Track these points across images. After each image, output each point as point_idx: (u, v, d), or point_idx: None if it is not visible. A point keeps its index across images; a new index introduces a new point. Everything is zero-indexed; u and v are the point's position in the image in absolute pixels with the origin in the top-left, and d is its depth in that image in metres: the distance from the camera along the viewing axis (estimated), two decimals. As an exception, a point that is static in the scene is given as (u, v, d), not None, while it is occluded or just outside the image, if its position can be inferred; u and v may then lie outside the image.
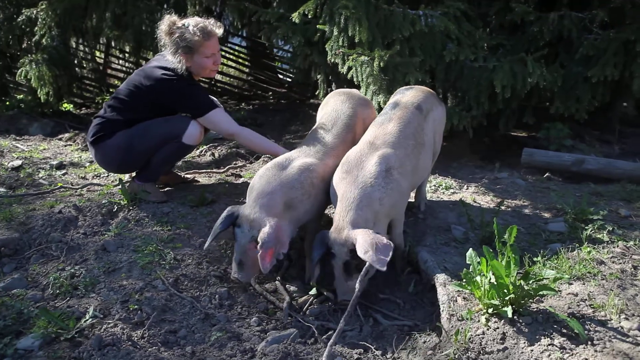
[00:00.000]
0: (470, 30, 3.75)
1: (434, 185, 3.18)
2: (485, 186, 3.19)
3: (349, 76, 3.24)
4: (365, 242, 1.87)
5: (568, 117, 4.02)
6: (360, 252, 1.87)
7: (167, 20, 2.64)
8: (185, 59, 2.65)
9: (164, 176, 3.08)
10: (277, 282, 2.34)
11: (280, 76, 7.23)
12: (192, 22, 2.63)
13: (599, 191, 3.13)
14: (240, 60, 7.09)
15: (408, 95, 2.54)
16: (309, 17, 3.44)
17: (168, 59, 2.69)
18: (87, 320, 1.78)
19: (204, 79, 5.13)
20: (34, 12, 5.04)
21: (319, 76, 4.04)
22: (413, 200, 2.82)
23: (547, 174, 3.56)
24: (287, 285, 2.32)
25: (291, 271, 2.47)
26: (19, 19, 5.10)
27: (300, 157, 2.34)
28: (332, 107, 2.63)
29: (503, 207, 2.81)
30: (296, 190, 2.20)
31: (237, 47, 6.99)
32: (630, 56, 3.47)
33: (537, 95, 3.76)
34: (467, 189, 3.15)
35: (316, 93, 4.17)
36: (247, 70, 7.15)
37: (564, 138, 3.76)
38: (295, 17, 3.40)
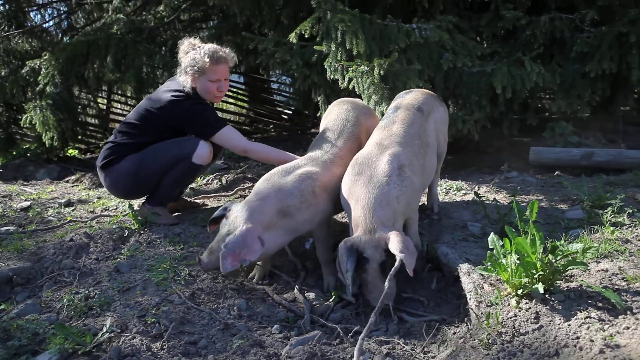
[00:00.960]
0: (464, 41, 3.81)
1: (445, 188, 3.15)
2: (497, 185, 3.16)
3: (350, 87, 3.27)
4: (399, 242, 1.89)
5: (571, 117, 4.02)
6: (395, 251, 1.87)
7: (187, 42, 2.77)
8: (193, 78, 2.69)
9: (173, 202, 3.06)
10: (295, 291, 2.28)
11: (280, 109, 7.33)
12: (207, 46, 2.72)
13: (612, 181, 3.09)
14: (239, 96, 7.21)
15: (408, 98, 2.56)
16: (306, 36, 3.50)
17: (178, 80, 2.74)
18: (104, 334, 1.72)
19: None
20: (38, 62, 5.18)
21: (319, 98, 4.08)
22: (425, 202, 2.78)
23: (556, 172, 3.52)
24: (306, 294, 2.26)
25: (309, 280, 2.41)
26: (23, 71, 5.24)
27: (307, 165, 2.33)
28: (336, 116, 2.64)
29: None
30: (294, 198, 2.18)
31: (236, 84, 7.12)
32: (625, 48, 3.50)
33: (538, 95, 3.77)
34: (478, 189, 3.12)
35: (318, 114, 4.21)
36: (247, 105, 7.26)
37: (570, 135, 3.75)
38: (292, 37, 3.47)
